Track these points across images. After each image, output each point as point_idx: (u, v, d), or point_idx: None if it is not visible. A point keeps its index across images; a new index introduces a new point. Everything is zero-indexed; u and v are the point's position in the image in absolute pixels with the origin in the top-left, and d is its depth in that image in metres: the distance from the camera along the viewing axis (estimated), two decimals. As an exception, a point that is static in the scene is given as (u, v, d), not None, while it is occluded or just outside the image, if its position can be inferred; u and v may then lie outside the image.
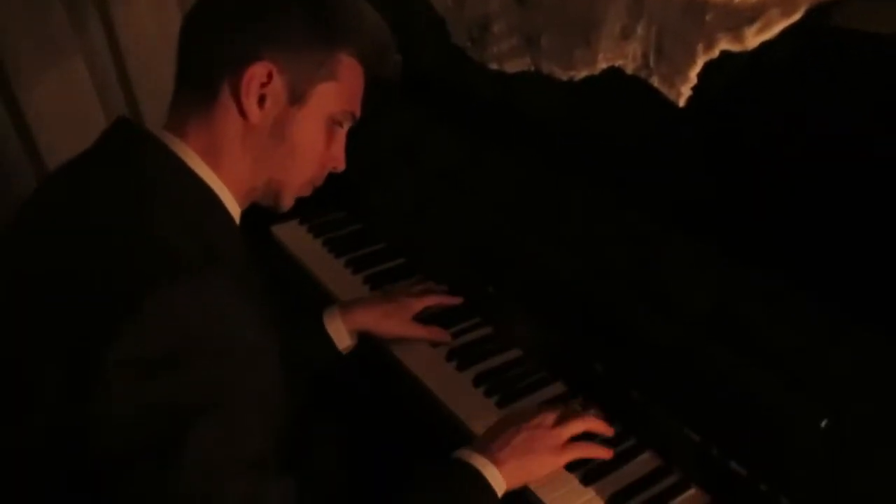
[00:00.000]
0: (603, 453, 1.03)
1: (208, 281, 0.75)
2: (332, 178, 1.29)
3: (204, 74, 0.87)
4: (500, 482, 0.94)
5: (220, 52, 0.86)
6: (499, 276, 1.29)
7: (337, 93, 0.92)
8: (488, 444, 0.97)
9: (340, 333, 1.21)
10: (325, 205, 1.65)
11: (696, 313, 1.01)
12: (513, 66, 1.17)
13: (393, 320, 1.23)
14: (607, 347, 1.12)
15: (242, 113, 0.86)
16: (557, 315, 1.19)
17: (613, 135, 1.17)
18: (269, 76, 0.86)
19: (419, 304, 1.26)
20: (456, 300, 1.31)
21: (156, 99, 1.52)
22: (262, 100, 0.86)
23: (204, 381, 0.74)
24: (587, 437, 1.04)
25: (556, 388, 1.18)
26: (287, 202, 0.98)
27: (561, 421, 1.02)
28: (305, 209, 1.64)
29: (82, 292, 0.74)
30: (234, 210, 0.91)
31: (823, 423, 0.88)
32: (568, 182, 1.22)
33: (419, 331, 1.24)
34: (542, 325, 1.22)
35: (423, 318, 1.28)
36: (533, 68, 1.15)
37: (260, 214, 1.00)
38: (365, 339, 1.25)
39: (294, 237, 1.59)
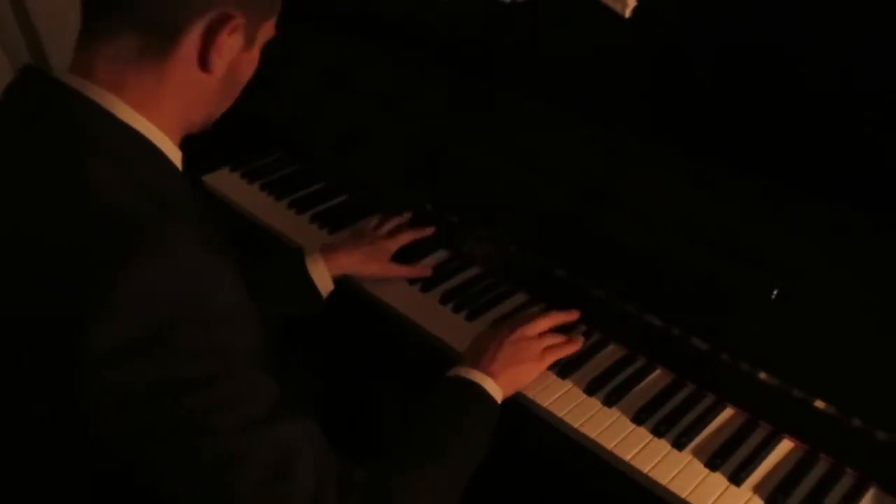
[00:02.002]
0: (575, 347, 1.12)
1: (174, 246, 0.70)
2: (260, 120, 1.28)
3: (160, 23, 0.77)
4: (498, 392, 1.01)
5: (185, 4, 0.77)
6: (446, 195, 1.34)
7: (272, 23, 0.89)
8: (477, 360, 1.04)
9: (324, 279, 1.22)
10: (252, 149, 1.65)
11: (647, 207, 1.11)
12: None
13: (375, 264, 1.26)
14: (565, 252, 1.19)
15: (203, 65, 0.80)
16: (512, 227, 1.26)
17: (548, 47, 1.24)
18: (235, 28, 0.80)
19: (396, 245, 1.30)
20: (429, 230, 1.35)
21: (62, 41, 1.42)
22: (221, 50, 0.80)
23: (196, 350, 0.70)
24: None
25: (520, 298, 1.26)
26: (212, 123, 0.91)
27: (536, 328, 1.10)
28: (233, 156, 1.64)
29: (40, 277, 0.69)
30: (175, 156, 0.85)
31: (774, 294, 0.99)
32: (509, 96, 1.27)
33: (402, 270, 1.28)
34: (497, 239, 1.28)
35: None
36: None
37: (188, 166, 0.91)
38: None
39: (229, 185, 1.57)
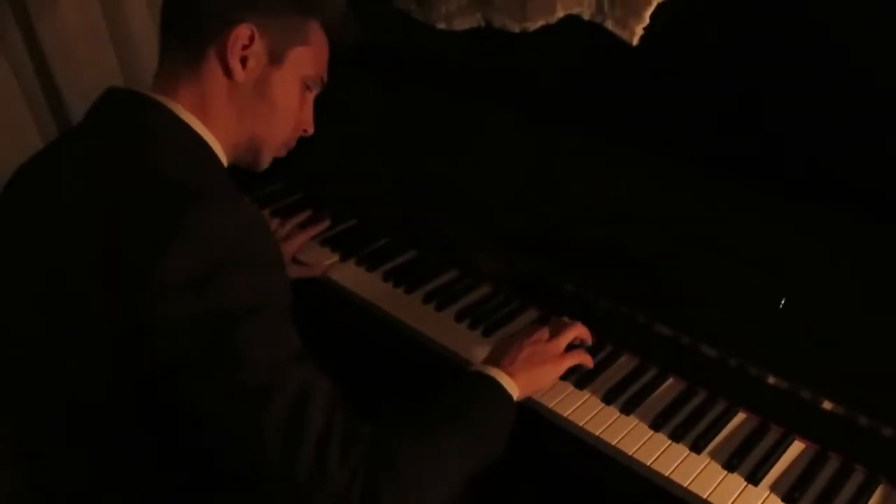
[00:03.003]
0: (588, 359, 1.17)
1: (229, 201, 0.83)
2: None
3: (189, 37, 0.95)
4: (515, 390, 1.05)
5: (206, 15, 0.94)
6: (448, 214, 1.39)
7: (309, 57, 1.03)
8: (498, 359, 1.08)
9: None
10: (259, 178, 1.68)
11: (653, 220, 1.16)
12: (462, 24, 1.27)
13: None
14: (574, 266, 1.24)
15: (227, 72, 0.95)
16: (519, 246, 1.31)
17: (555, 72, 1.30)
18: (251, 38, 0.95)
19: (293, 247, 1.43)
20: (322, 226, 1.49)
21: (84, 98, 1.48)
22: (244, 60, 0.95)
23: (247, 286, 0.81)
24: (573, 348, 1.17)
25: (532, 313, 1.31)
26: (266, 160, 1.07)
27: (554, 334, 1.14)
28: (239, 184, 1.68)
29: (119, 230, 0.81)
30: (224, 158, 0.99)
31: (782, 302, 1.05)
32: (515, 118, 1.33)
33: (302, 270, 1.40)
34: (504, 257, 1.33)
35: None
36: (483, 24, 1.24)
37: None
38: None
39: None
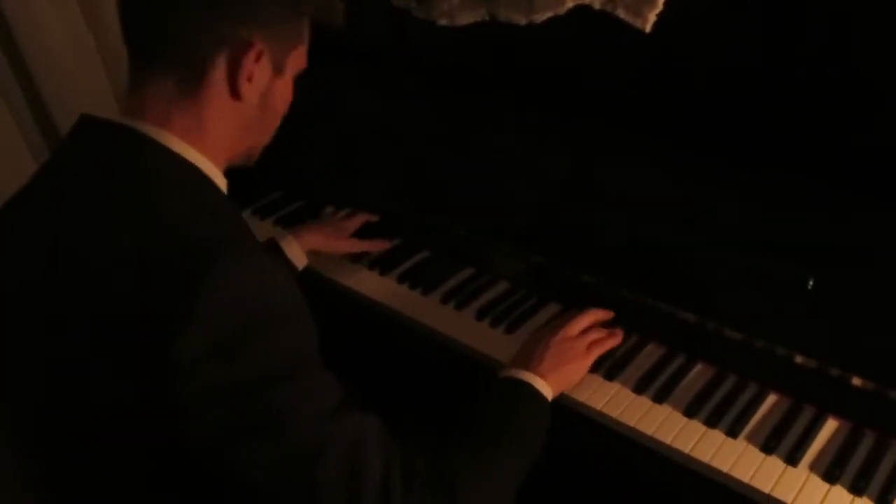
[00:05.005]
0: (616, 340, 1.17)
1: (242, 257, 0.77)
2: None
3: (189, 59, 0.85)
4: (548, 391, 1.05)
5: (206, 35, 0.85)
6: (460, 211, 1.38)
7: (303, 52, 0.96)
8: (526, 363, 1.07)
9: (298, 255, 1.35)
10: (258, 188, 1.67)
11: (673, 208, 1.16)
12: (465, 19, 1.25)
13: (338, 240, 1.42)
14: (591, 258, 1.24)
15: (234, 94, 0.87)
16: (535, 240, 1.30)
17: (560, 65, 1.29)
18: (259, 55, 0.86)
19: (353, 224, 1.47)
20: (374, 217, 1.51)
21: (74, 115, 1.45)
22: (251, 78, 0.87)
23: (276, 348, 0.77)
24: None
25: (553, 308, 1.30)
26: (257, 156, 1.00)
27: (577, 327, 1.14)
28: (241, 194, 1.65)
29: (130, 300, 0.75)
30: (222, 183, 0.91)
31: (810, 283, 1.05)
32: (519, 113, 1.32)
33: (363, 245, 1.44)
34: (520, 253, 1.32)
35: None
36: (488, 18, 1.23)
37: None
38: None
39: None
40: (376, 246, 1.45)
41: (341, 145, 1.55)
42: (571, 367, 1.10)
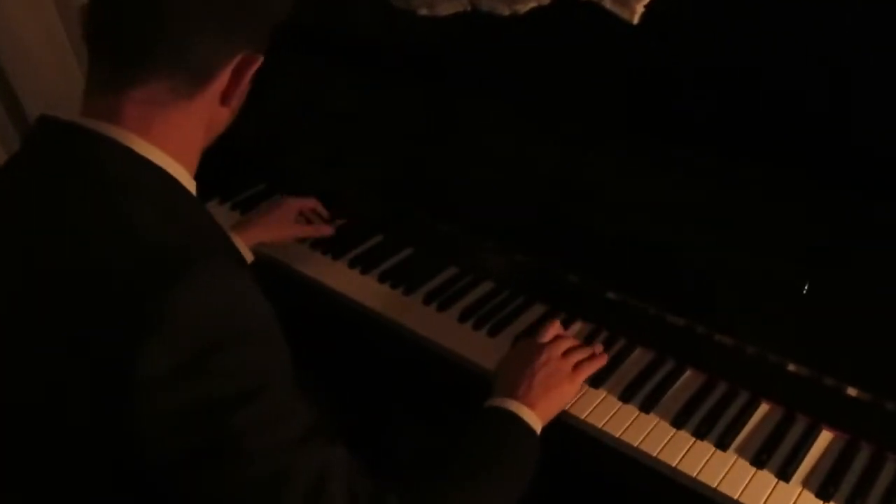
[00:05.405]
0: (602, 360, 1.12)
1: (210, 271, 0.73)
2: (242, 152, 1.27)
3: (193, 65, 0.82)
4: (536, 421, 1.00)
5: (223, 45, 0.83)
6: (443, 208, 1.33)
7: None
8: (512, 390, 1.02)
9: (244, 251, 1.30)
10: (240, 182, 1.62)
11: (664, 206, 1.11)
12: (446, 9, 1.20)
13: (281, 228, 1.38)
14: (576, 257, 1.19)
15: (225, 101, 0.86)
16: (520, 238, 1.25)
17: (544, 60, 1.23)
18: (250, 65, 0.85)
19: (294, 208, 1.42)
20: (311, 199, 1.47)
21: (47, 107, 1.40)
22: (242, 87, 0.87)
23: (242, 368, 0.73)
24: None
25: (538, 309, 1.25)
26: None
27: (561, 347, 1.10)
28: (222, 187, 1.61)
29: (87, 314, 0.72)
30: (192, 187, 0.88)
31: (805, 287, 1.00)
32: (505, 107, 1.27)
33: (306, 230, 1.41)
34: (507, 251, 1.28)
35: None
36: (469, 8, 1.17)
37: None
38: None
39: (222, 216, 1.54)
40: (321, 231, 1.42)
41: (324, 138, 1.50)
42: (559, 391, 1.05)
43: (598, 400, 1.09)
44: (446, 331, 1.22)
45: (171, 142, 0.83)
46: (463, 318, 1.24)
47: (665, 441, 1.02)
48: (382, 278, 1.34)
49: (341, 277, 1.36)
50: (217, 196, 1.59)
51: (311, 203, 1.46)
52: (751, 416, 1.05)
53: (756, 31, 1.02)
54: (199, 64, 0.81)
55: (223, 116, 0.89)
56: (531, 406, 1.00)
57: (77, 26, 1.46)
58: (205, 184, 0.95)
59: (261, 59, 0.85)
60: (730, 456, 1.00)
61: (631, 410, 1.07)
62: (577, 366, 1.09)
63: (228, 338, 0.72)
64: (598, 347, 1.14)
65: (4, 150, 1.48)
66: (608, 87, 1.16)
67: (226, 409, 0.71)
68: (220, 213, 1.56)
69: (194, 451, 0.71)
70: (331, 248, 1.41)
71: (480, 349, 1.18)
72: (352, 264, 1.38)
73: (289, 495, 0.72)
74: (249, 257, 1.32)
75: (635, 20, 1.02)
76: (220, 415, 0.71)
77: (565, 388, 1.05)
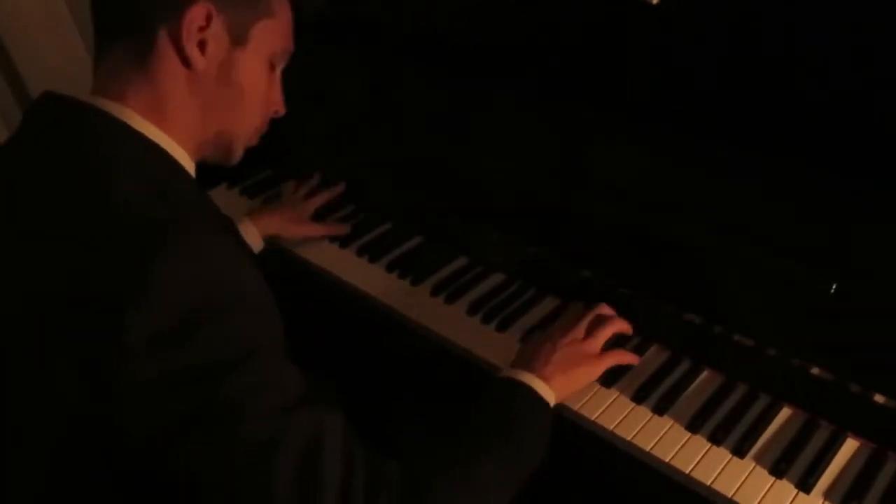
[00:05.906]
0: (633, 359, 1.07)
1: (196, 238, 0.72)
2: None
3: (134, 26, 0.81)
4: (550, 396, 0.96)
5: (150, 1, 0.80)
6: (453, 198, 1.29)
7: (275, 30, 0.89)
8: (530, 362, 0.98)
9: (255, 239, 1.30)
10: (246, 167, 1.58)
11: (684, 203, 1.05)
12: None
13: (297, 225, 1.36)
14: (591, 251, 1.14)
15: (185, 61, 0.81)
16: (533, 229, 1.20)
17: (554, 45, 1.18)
18: (208, 18, 0.80)
19: (313, 205, 1.40)
20: (338, 189, 1.45)
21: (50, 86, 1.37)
22: (203, 45, 0.82)
23: (230, 335, 0.72)
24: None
25: (550, 303, 1.20)
26: (238, 153, 0.94)
27: (590, 330, 1.05)
28: (229, 173, 1.57)
29: (73, 282, 0.70)
30: (189, 166, 0.87)
31: (833, 288, 0.94)
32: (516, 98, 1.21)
33: (320, 229, 1.38)
34: (519, 242, 1.23)
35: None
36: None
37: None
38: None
39: (230, 201, 1.51)
40: (336, 230, 1.37)
41: (332, 124, 1.46)
42: (581, 371, 1.00)
43: (610, 400, 1.04)
44: (454, 324, 1.18)
45: (155, 112, 0.82)
46: (471, 310, 1.19)
47: (679, 446, 0.97)
48: (390, 267, 1.29)
49: (348, 266, 1.31)
50: (224, 181, 1.56)
51: (321, 199, 1.42)
52: (771, 421, 1.00)
53: (786, 19, 0.96)
54: (133, 22, 0.80)
55: (208, 87, 0.84)
56: (546, 379, 0.96)
57: (81, 4, 1.44)
58: (212, 168, 0.93)
59: (200, 7, 0.79)
60: (747, 463, 0.95)
61: (644, 412, 1.02)
62: (606, 352, 1.04)
63: (214, 305, 0.71)
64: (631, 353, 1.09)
65: (3, 119, 1.45)
66: (627, 74, 1.10)
67: (214, 375, 0.70)
68: (229, 197, 1.53)
69: (183, 421, 0.69)
70: (338, 235, 1.37)
71: (489, 344, 1.13)
72: (360, 252, 1.33)
73: (280, 461, 0.70)
74: (259, 247, 1.30)
75: (655, 0, 0.96)
76: (209, 381, 0.69)
77: (585, 369, 1.00)
